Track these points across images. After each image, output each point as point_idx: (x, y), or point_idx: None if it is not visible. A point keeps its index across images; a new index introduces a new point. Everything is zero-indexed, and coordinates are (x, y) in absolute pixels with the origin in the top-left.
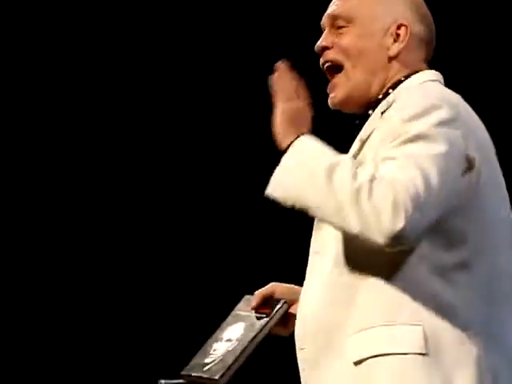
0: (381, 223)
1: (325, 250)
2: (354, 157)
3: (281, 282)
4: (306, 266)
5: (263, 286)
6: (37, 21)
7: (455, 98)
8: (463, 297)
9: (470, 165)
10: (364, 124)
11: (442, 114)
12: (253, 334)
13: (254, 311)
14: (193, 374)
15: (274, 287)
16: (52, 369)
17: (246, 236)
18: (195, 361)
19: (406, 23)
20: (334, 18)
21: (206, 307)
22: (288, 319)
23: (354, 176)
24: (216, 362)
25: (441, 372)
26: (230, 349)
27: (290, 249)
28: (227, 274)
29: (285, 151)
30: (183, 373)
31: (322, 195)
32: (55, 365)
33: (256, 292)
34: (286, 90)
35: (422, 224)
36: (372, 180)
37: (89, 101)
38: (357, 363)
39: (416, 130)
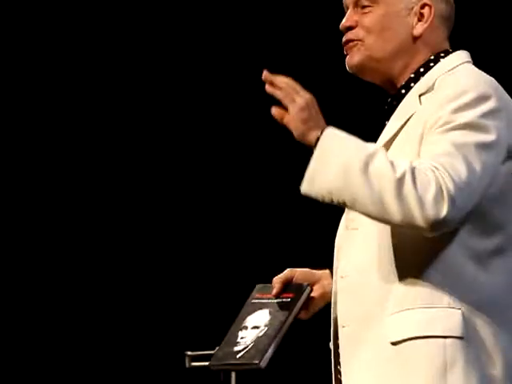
0: (425, 211)
1: (364, 228)
2: (392, 139)
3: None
4: (307, 254)
5: (274, 270)
6: (37, 21)
7: (496, 83)
8: (499, 283)
9: (510, 154)
10: (396, 103)
11: (491, 104)
12: (284, 318)
13: (274, 298)
14: (227, 363)
15: (291, 272)
16: (80, 340)
17: (256, 226)
18: (223, 350)
19: (429, 2)
20: None
21: (228, 283)
22: (309, 303)
23: (393, 166)
24: (249, 347)
25: (476, 356)
26: (261, 334)
27: (295, 238)
28: (241, 258)
29: (313, 147)
30: (213, 363)
31: (359, 187)
32: (84, 335)
33: (275, 278)
34: (287, 92)
35: (463, 211)
36: (413, 169)
37: (89, 101)
38: (395, 343)
39: (465, 119)
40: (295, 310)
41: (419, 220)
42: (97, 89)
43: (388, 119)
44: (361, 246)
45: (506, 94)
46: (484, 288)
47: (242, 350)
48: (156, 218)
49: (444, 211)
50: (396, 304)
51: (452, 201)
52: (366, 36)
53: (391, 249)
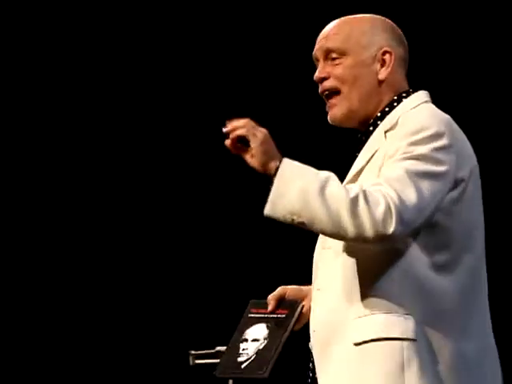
0: (375, 226)
1: (335, 247)
2: (360, 171)
3: (277, 282)
4: (296, 268)
5: (269, 277)
6: (37, 21)
7: (450, 121)
8: (449, 293)
9: (456, 184)
10: (365, 138)
11: (444, 141)
12: (282, 332)
13: (269, 313)
14: (233, 372)
15: (283, 290)
16: (84, 341)
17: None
18: (226, 361)
19: (389, 49)
20: (328, 51)
21: (227, 286)
22: (300, 316)
23: (346, 189)
24: (252, 359)
25: (428, 356)
26: (261, 347)
27: (283, 254)
28: (241, 261)
29: (272, 176)
30: (218, 373)
31: (317, 208)
32: (88, 336)
33: (269, 296)
34: (248, 129)
35: (409, 229)
36: (365, 191)
37: (89, 101)
38: (357, 344)
39: (419, 151)
40: (291, 325)
41: (370, 235)
42: (97, 89)
43: (358, 152)
44: (332, 262)
45: (459, 131)
46: (435, 297)
47: (246, 360)
48: (160, 218)
49: (392, 228)
50: (359, 310)
51: (399, 218)
52: (341, 86)
53: (356, 263)
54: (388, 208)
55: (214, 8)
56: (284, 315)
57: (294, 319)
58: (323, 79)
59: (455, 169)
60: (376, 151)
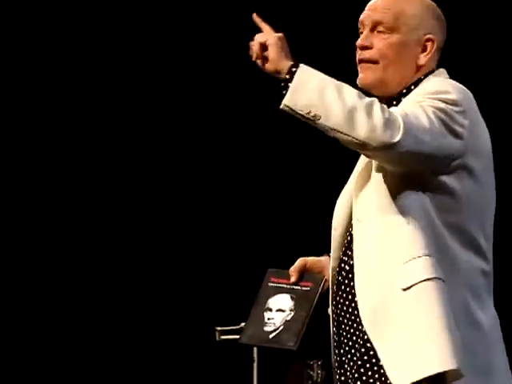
0: (384, 132)
1: (368, 219)
2: None
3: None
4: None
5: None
6: (37, 21)
7: (471, 97)
8: (458, 247)
9: (466, 154)
10: None
11: (461, 107)
12: (308, 306)
13: (292, 284)
14: (259, 342)
15: (304, 261)
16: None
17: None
18: (251, 329)
19: (433, 38)
20: (377, 23)
21: (253, 264)
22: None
23: (362, 95)
24: (280, 330)
25: (455, 294)
26: (289, 318)
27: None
28: (259, 244)
29: (289, 71)
30: (243, 340)
31: (334, 103)
32: (112, 322)
33: (291, 268)
34: (266, 30)
35: (412, 146)
36: (380, 103)
37: (89, 101)
38: (405, 289)
39: (438, 105)
40: (316, 298)
41: (378, 137)
42: (97, 89)
43: None
44: (367, 237)
45: (476, 110)
46: (449, 252)
47: (273, 331)
48: (180, 199)
49: (398, 136)
50: (398, 258)
51: (407, 130)
52: (380, 59)
53: (394, 224)
54: (398, 119)
55: (214, 8)
56: (308, 288)
57: (318, 293)
58: (365, 47)
59: (468, 136)
60: None
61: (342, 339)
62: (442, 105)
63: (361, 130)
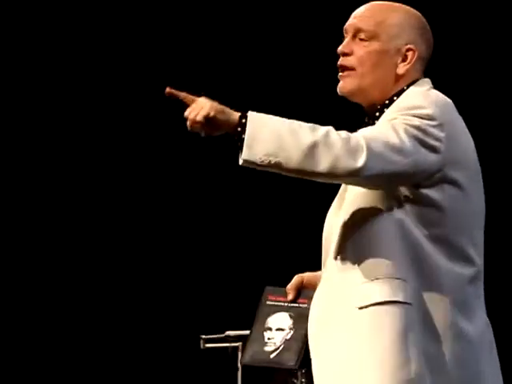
0: (347, 161)
1: (344, 237)
2: None
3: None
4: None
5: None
6: (37, 21)
7: (450, 107)
8: (441, 264)
9: (446, 165)
10: (372, 122)
11: (437, 121)
12: (307, 324)
13: (289, 302)
14: (261, 362)
15: (300, 278)
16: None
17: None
18: (253, 349)
19: (414, 48)
20: (358, 30)
21: (238, 272)
22: None
23: (316, 127)
24: (281, 349)
25: (424, 320)
26: (288, 337)
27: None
28: (249, 251)
29: (238, 125)
30: (247, 361)
31: (292, 146)
32: (104, 325)
33: (288, 286)
34: (190, 100)
35: (378, 167)
36: (333, 129)
37: (89, 101)
38: (361, 308)
39: (412, 122)
40: None
41: (342, 166)
42: (97, 89)
43: None
44: (341, 236)
45: (458, 119)
46: (432, 267)
47: (274, 350)
48: (172, 207)
49: (362, 160)
50: (364, 276)
51: (369, 152)
52: (358, 66)
53: (360, 233)
54: (360, 142)
55: (213, 8)
56: (305, 305)
57: None
58: (345, 54)
59: (446, 149)
60: None
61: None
62: (416, 121)
63: (324, 164)
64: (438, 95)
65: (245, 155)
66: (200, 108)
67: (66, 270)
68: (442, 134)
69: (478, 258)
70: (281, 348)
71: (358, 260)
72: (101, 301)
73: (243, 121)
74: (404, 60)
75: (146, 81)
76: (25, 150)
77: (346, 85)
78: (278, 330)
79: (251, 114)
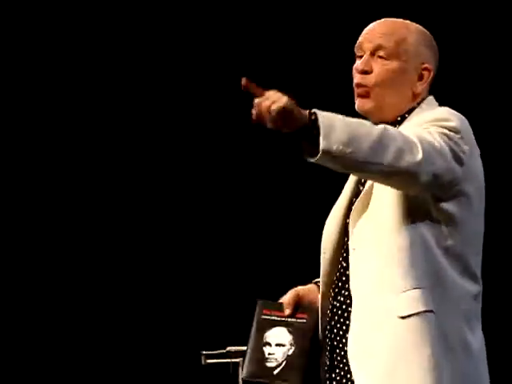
0: (409, 154)
1: (362, 246)
2: None
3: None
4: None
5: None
6: (37, 21)
7: (468, 125)
8: (453, 273)
9: (462, 161)
10: None
11: (461, 134)
12: (308, 339)
13: (286, 317)
14: (263, 378)
15: (296, 292)
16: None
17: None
18: (253, 365)
19: (430, 67)
20: (378, 47)
21: (238, 288)
22: None
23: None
24: (283, 365)
25: (449, 325)
26: (290, 353)
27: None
28: (248, 266)
29: (309, 120)
30: (248, 377)
31: (363, 136)
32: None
33: (286, 301)
34: (270, 95)
35: (429, 167)
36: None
37: (89, 101)
38: (403, 318)
39: (442, 131)
40: (314, 331)
41: (406, 158)
42: (97, 89)
43: None
44: (362, 264)
45: (473, 136)
46: (448, 281)
47: (277, 367)
48: (168, 220)
49: (419, 154)
50: (396, 288)
51: (424, 151)
52: (378, 85)
53: (391, 253)
54: (413, 138)
55: (213, 8)
56: (304, 320)
57: (315, 325)
58: (365, 72)
59: (467, 162)
60: None
61: (336, 364)
62: (447, 131)
63: (389, 155)
64: (455, 111)
65: (323, 145)
66: (277, 98)
67: (58, 281)
68: (466, 148)
69: (480, 279)
70: (283, 364)
71: (386, 271)
72: (100, 316)
73: (313, 116)
74: (420, 79)
75: (146, 81)
76: (25, 150)
77: (366, 102)
78: (277, 345)
79: (317, 110)
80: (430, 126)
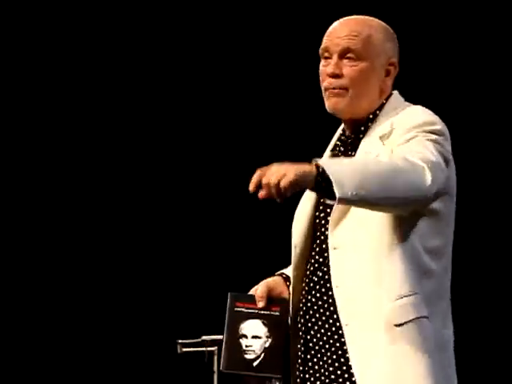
0: (419, 180)
1: (345, 245)
2: None
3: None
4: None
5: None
6: (37, 21)
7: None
8: (440, 274)
9: (450, 163)
10: (355, 136)
11: (446, 137)
12: (284, 331)
13: (259, 309)
14: (243, 370)
15: (267, 285)
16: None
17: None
18: (231, 357)
19: (394, 61)
20: (347, 50)
21: (212, 280)
22: None
23: (377, 158)
24: (262, 357)
25: (439, 331)
26: (267, 345)
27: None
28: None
29: (316, 175)
30: (227, 369)
31: (371, 177)
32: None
33: (258, 293)
34: (273, 172)
35: (436, 185)
36: (403, 158)
37: (89, 101)
38: (398, 325)
39: (432, 137)
40: (288, 323)
41: (416, 186)
42: (97, 89)
43: (347, 150)
44: (346, 260)
45: None
46: (430, 279)
47: (255, 359)
48: (150, 216)
49: (429, 179)
50: (387, 296)
51: (431, 171)
52: (351, 87)
53: (377, 256)
54: (418, 162)
55: (213, 8)
56: (277, 312)
57: (287, 317)
58: (336, 75)
59: (451, 167)
60: (377, 156)
61: (309, 356)
62: (434, 137)
63: (400, 187)
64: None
65: (339, 194)
66: (282, 174)
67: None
68: (449, 148)
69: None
70: (262, 356)
71: (377, 276)
72: (79, 305)
73: (320, 169)
74: (387, 75)
75: (145, 81)
76: (25, 150)
77: (338, 103)
78: (254, 337)
79: (319, 160)
80: (419, 133)
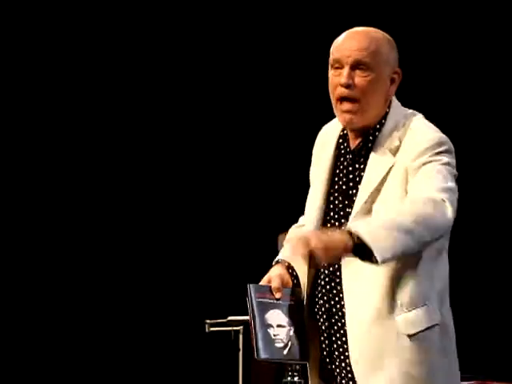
0: (442, 220)
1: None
2: (380, 186)
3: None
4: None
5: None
6: (37, 21)
7: None
8: (444, 275)
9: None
10: (362, 144)
11: (453, 153)
12: (301, 318)
13: (277, 300)
14: (276, 357)
15: (280, 276)
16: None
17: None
18: (266, 346)
19: (398, 70)
20: (358, 62)
21: (237, 264)
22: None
23: (411, 204)
24: (290, 345)
25: (450, 337)
26: (291, 333)
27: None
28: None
29: (353, 242)
30: (263, 358)
31: (400, 234)
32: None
33: (275, 285)
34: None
35: (455, 209)
36: (427, 198)
37: (89, 101)
38: (410, 336)
39: (446, 160)
40: (303, 311)
41: (451, 217)
42: (97, 89)
43: (353, 159)
44: (361, 272)
45: None
46: (437, 280)
47: (284, 347)
48: (176, 203)
49: (450, 212)
50: (401, 307)
51: (451, 207)
52: (362, 98)
53: (390, 268)
54: (438, 199)
55: (213, 8)
56: (292, 302)
57: (302, 306)
58: (349, 86)
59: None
60: (391, 168)
61: (334, 338)
62: (446, 159)
63: (442, 225)
64: (425, 121)
65: (380, 258)
66: (322, 250)
67: (70, 254)
68: (455, 162)
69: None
70: (289, 344)
71: (396, 285)
72: (106, 292)
73: (355, 237)
74: (392, 83)
75: (145, 81)
76: (25, 150)
77: (354, 118)
78: (278, 326)
79: (352, 227)
80: (432, 157)
